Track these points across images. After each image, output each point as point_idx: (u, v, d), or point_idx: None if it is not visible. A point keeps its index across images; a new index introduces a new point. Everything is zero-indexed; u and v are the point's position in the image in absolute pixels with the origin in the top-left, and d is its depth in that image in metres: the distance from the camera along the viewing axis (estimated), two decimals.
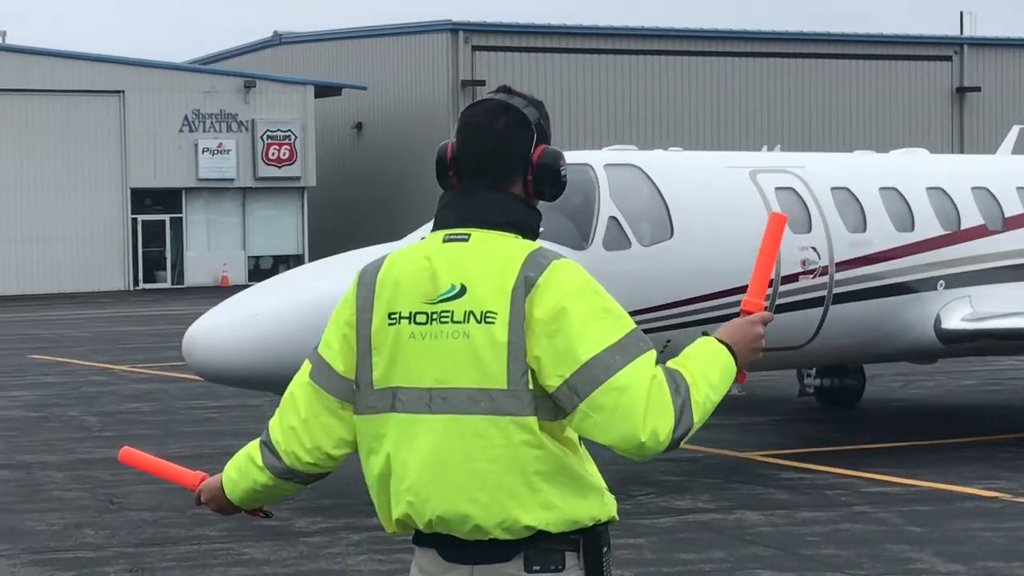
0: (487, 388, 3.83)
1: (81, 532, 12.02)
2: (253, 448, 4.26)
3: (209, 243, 54.66)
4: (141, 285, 53.58)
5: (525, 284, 3.85)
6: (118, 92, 51.79)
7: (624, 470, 13.97)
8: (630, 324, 3.88)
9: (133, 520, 12.49)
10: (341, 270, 13.59)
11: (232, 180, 54.06)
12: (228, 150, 53.08)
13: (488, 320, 3.82)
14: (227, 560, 10.91)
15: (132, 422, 18.06)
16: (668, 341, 13.46)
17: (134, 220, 53.04)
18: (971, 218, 16.30)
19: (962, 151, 54.48)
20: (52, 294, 49.94)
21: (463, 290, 3.86)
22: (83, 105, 51.03)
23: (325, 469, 4.19)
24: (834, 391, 18.60)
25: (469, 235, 3.94)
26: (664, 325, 13.88)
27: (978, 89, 59.09)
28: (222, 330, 13.04)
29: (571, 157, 15.12)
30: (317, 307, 12.69)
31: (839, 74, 57.28)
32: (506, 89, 4.15)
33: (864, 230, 15.58)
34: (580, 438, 3.94)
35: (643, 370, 3.81)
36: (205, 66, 59.71)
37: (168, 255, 54.69)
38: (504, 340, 3.82)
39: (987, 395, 19.56)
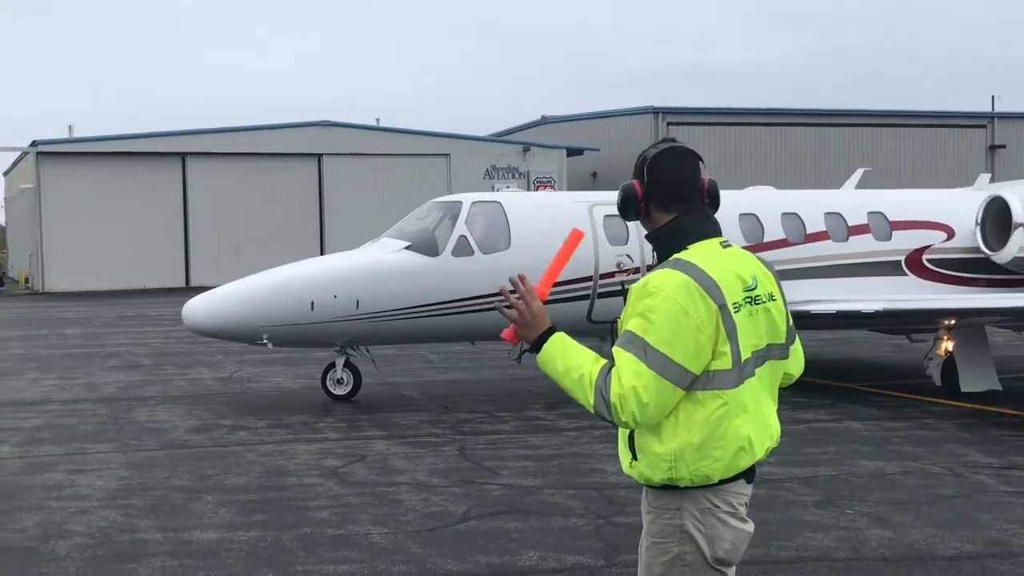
0: (776, 343, 3.76)
1: (426, 426, 12.24)
2: (589, 379, 3.54)
3: None
4: None
5: (774, 274, 3.85)
6: (446, 155, 52.64)
7: None
8: None
9: (459, 419, 12.69)
10: (275, 274, 14.07)
11: None
12: (512, 191, 53.52)
13: (773, 299, 3.75)
14: (517, 444, 11.02)
15: (457, 358, 18.34)
16: None
17: None
18: (775, 234, 15.12)
19: None
20: None
21: (755, 281, 3.70)
22: (423, 164, 51.90)
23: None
24: None
25: (728, 243, 3.78)
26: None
27: (1004, 146, 56.42)
28: (202, 303, 13.74)
29: (451, 196, 15.01)
30: (248, 294, 13.70)
31: (907, 137, 55.25)
32: (670, 139, 3.87)
33: None
34: None
35: None
36: (498, 138, 60.19)
37: None
38: (783, 311, 3.80)
39: (1016, 348, 18.65)
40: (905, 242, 15.73)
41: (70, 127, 52.42)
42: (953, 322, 13.34)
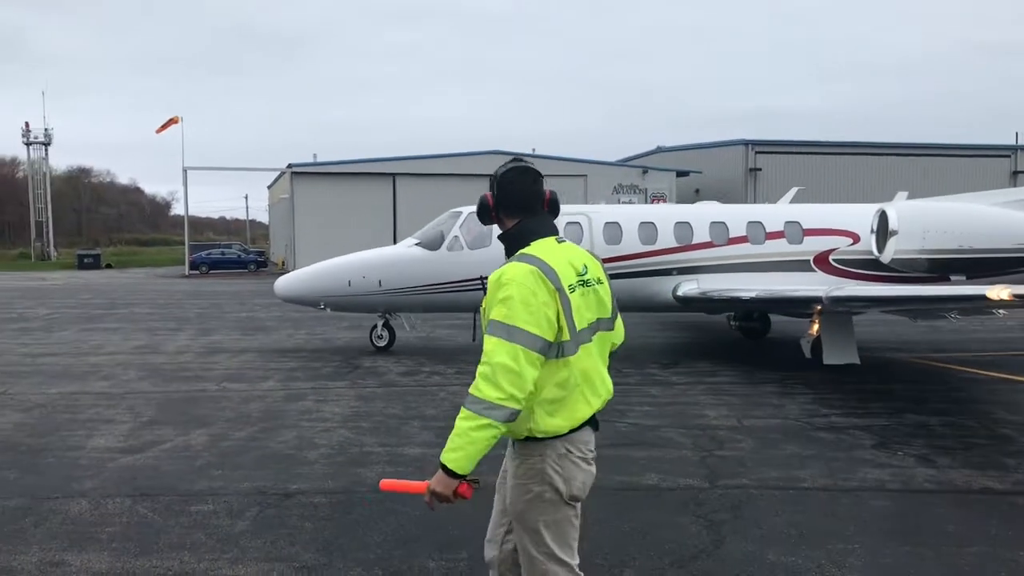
0: (604, 317, 3.57)
1: None
2: (466, 420, 3.22)
3: None
4: None
5: (601, 263, 3.67)
6: (583, 176, 52.36)
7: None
8: None
9: None
10: (329, 262, 14.54)
11: None
12: (633, 203, 52.85)
13: (600, 283, 3.57)
14: (639, 394, 10.83)
15: None
16: None
17: None
18: (702, 237, 14.35)
19: None
20: None
21: (586, 268, 3.52)
22: (567, 183, 51.30)
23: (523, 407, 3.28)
24: (749, 329, 16.60)
25: (563, 239, 3.58)
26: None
27: None
28: (283, 280, 14.53)
29: (460, 208, 14.81)
30: (311, 275, 14.34)
31: (945, 165, 52.36)
32: (519, 159, 3.65)
33: (620, 243, 14.13)
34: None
35: None
36: (623, 163, 59.56)
37: None
38: (609, 291, 3.63)
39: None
40: (814, 246, 14.81)
41: (314, 154, 54.41)
42: (819, 307, 12.39)
